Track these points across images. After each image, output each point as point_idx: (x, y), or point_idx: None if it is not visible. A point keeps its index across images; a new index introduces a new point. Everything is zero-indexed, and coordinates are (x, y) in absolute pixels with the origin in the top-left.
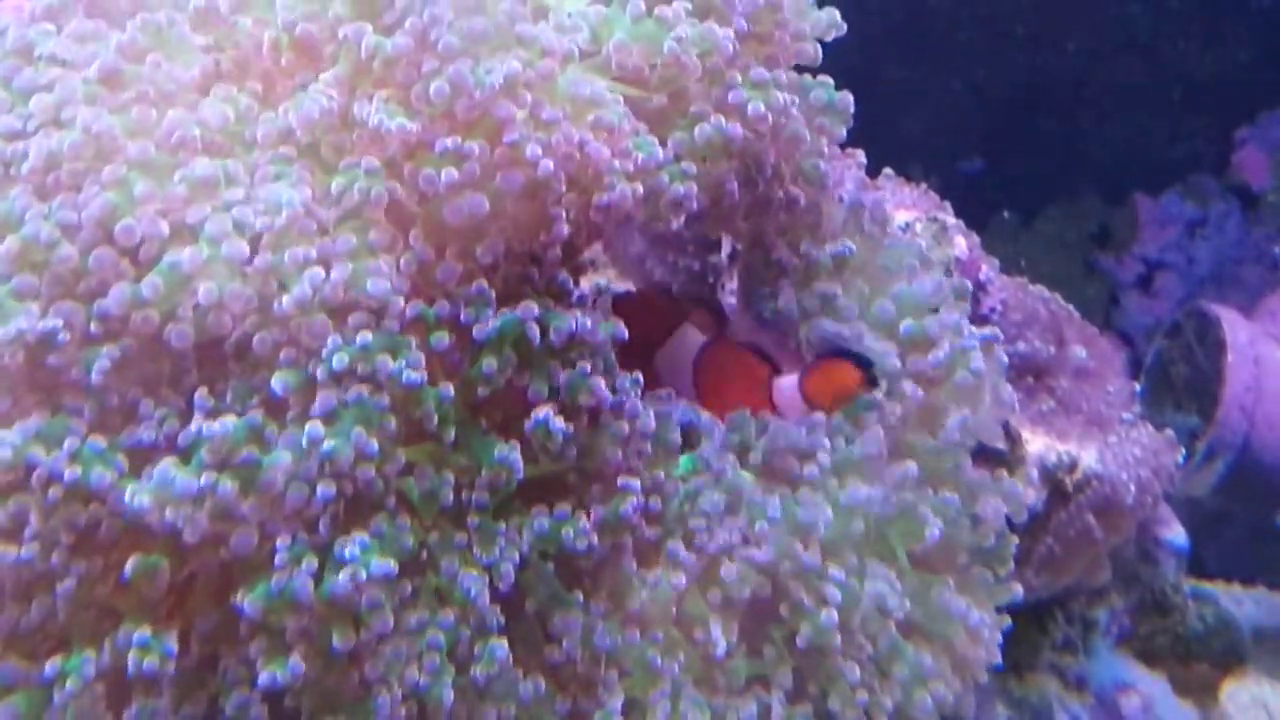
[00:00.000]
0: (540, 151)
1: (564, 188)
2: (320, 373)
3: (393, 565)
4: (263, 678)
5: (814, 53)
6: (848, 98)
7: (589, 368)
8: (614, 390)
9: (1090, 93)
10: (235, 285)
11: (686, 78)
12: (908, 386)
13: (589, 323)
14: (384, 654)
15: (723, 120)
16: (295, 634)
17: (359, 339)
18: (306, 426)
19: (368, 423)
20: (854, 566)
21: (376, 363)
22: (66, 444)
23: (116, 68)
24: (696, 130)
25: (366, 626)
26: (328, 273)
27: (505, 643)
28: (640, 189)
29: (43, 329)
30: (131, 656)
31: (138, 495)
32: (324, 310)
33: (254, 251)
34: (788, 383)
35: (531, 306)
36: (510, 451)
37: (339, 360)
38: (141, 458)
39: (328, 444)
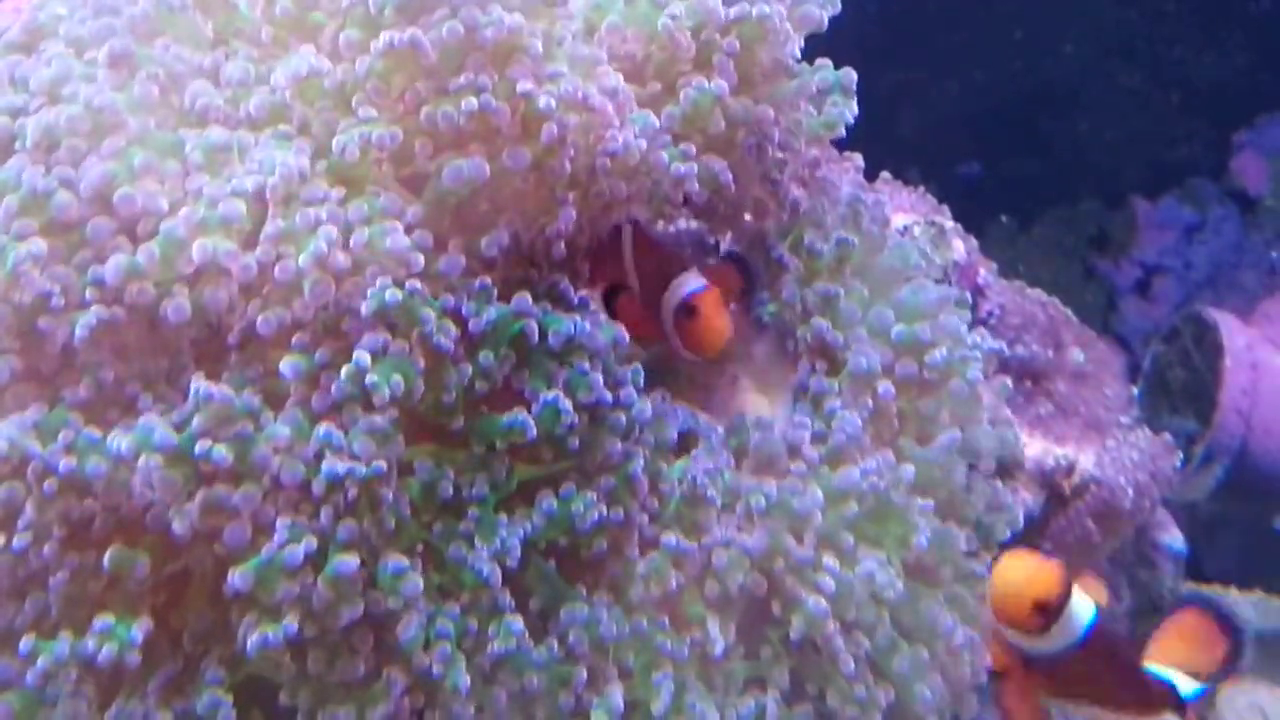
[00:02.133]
0: (554, 105)
1: (570, 155)
2: (366, 307)
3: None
4: (253, 640)
5: (819, 16)
6: (851, 74)
7: (587, 365)
8: (614, 388)
9: (1088, 97)
10: (230, 245)
11: (680, 61)
12: (882, 388)
13: (587, 326)
14: (407, 626)
15: (705, 80)
16: (288, 603)
17: (409, 285)
18: (354, 354)
19: (405, 376)
20: (850, 550)
21: (420, 313)
22: (61, 436)
23: (126, 50)
24: (682, 95)
25: (396, 594)
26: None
27: (520, 619)
28: (644, 144)
29: (38, 289)
30: (90, 643)
31: (118, 439)
32: (330, 273)
33: (257, 221)
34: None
35: (525, 297)
36: (518, 414)
37: (392, 295)
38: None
39: (371, 377)
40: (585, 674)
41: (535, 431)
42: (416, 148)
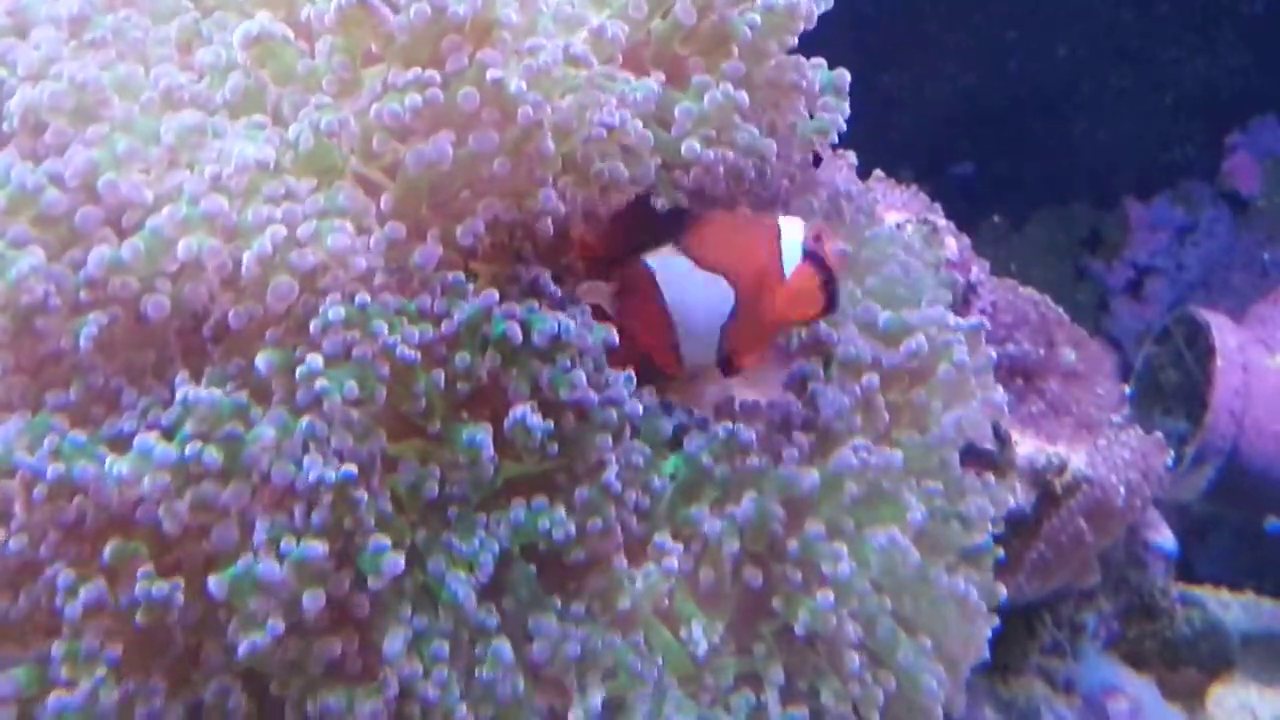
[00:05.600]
0: (525, 87)
1: (549, 140)
2: (314, 325)
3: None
4: (242, 646)
5: (807, 8)
6: (844, 75)
7: (570, 363)
8: (600, 388)
9: (1081, 98)
10: (213, 242)
11: (678, 39)
12: (868, 379)
13: (572, 325)
14: (394, 640)
15: (729, 87)
16: (263, 613)
17: (358, 299)
18: (308, 357)
19: (363, 381)
20: (851, 533)
21: (373, 326)
22: (47, 442)
23: (84, 16)
24: (707, 98)
25: (377, 572)
26: (292, 233)
27: (508, 644)
28: (640, 125)
29: (37, 296)
30: (139, 587)
31: (116, 464)
32: (290, 273)
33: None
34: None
35: (494, 294)
36: (479, 432)
37: (335, 312)
38: (124, 448)
39: (320, 382)
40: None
41: (495, 456)
42: (374, 142)
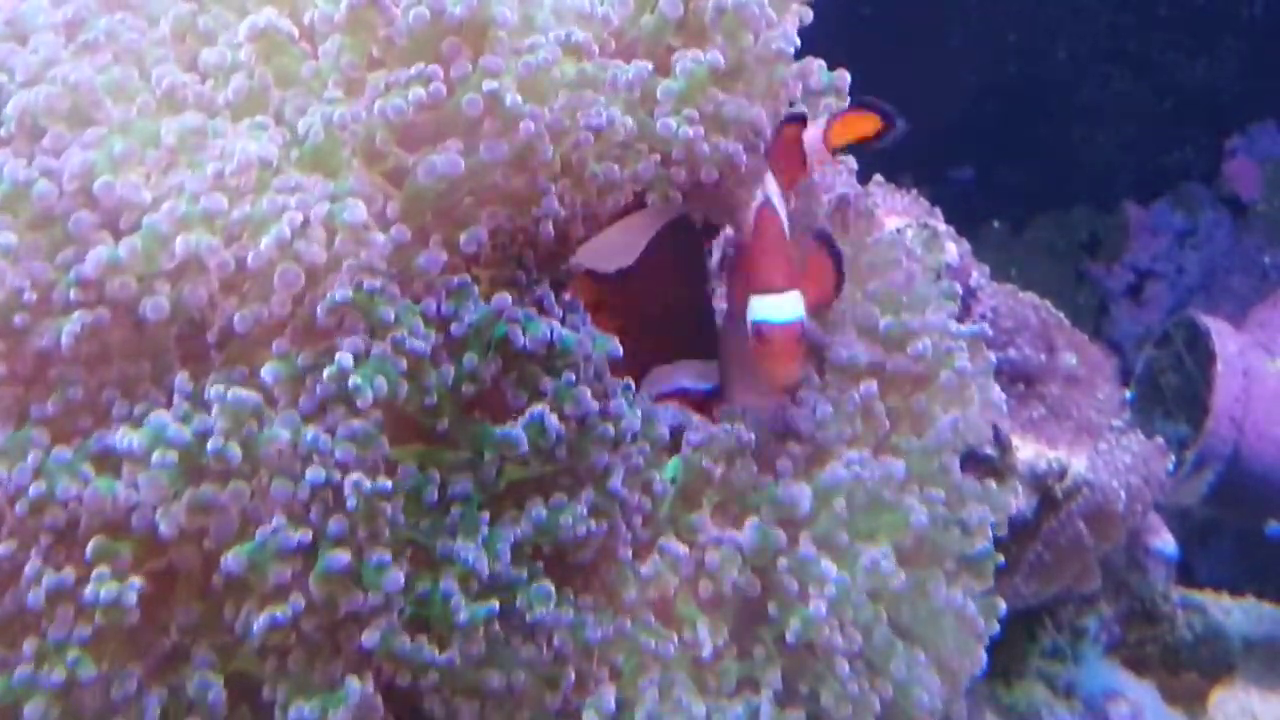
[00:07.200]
0: (520, 100)
1: (550, 148)
2: (320, 308)
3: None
4: (261, 620)
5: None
6: (845, 76)
7: (574, 377)
8: (604, 397)
9: (1081, 102)
10: (213, 239)
11: (668, 31)
12: (865, 386)
13: (565, 331)
14: (373, 632)
15: (700, 52)
16: (285, 586)
17: (366, 284)
18: (337, 356)
19: (388, 377)
20: (846, 546)
21: (379, 313)
22: (30, 457)
23: (80, 19)
24: (679, 67)
25: (377, 588)
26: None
27: (549, 584)
28: (630, 123)
29: (11, 286)
30: (90, 590)
31: (128, 436)
32: (298, 261)
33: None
34: (812, 133)
35: (505, 298)
36: (513, 428)
37: (342, 294)
38: (113, 466)
39: (354, 379)
40: (573, 677)
41: (526, 447)
42: (378, 140)
